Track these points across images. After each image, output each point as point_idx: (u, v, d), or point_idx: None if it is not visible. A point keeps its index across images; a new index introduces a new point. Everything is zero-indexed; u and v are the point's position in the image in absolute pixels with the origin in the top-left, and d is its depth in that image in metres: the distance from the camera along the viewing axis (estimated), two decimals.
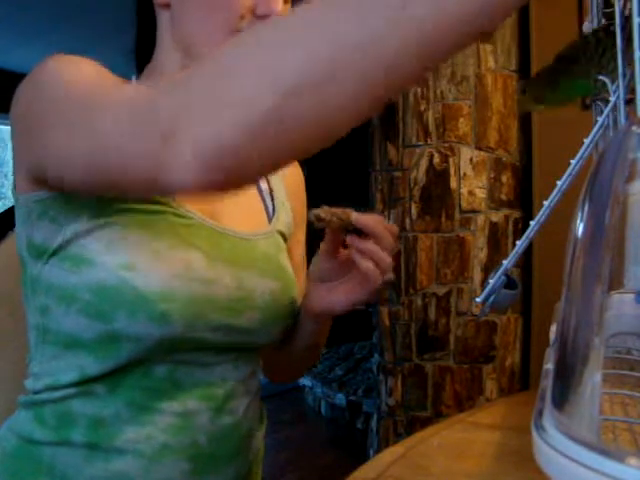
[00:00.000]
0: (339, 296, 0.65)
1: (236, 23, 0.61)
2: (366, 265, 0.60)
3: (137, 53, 0.72)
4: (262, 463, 0.75)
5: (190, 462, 0.60)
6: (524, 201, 2.04)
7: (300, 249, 0.82)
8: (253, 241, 0.67)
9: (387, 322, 2.08)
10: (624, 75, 0.58)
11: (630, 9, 0.50)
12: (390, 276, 0.62)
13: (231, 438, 0.64)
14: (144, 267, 0.55)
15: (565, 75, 0.51)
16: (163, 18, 0.65)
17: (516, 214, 2.03)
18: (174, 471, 0.59)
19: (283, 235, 0.74)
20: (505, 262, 0.66)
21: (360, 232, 0.60)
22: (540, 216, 0.65)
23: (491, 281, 0.66)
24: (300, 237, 0.82)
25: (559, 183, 0.64)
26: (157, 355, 0.58)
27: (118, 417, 0.58)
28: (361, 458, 0.77)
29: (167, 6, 0.64)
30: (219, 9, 0.60)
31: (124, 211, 0.57)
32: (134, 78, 0.70)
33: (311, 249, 0.73)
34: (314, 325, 0.71)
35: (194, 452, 0.60)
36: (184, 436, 0.59)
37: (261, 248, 0.67)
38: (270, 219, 0.73)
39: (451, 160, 1.96)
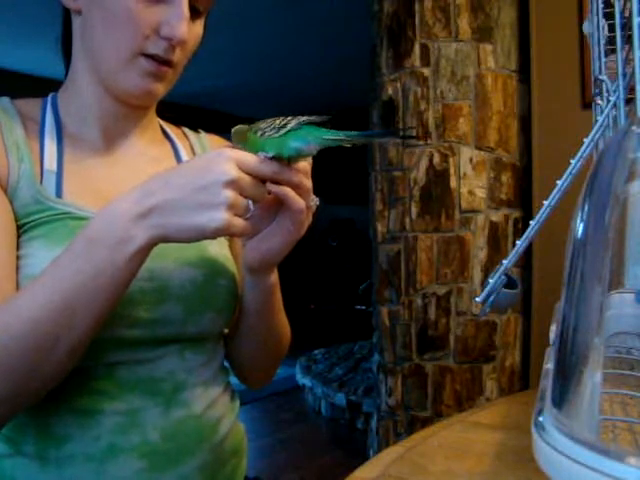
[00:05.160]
0: (273, 239, 0.60)
1: (140, 43, 0.60)
2: (284, 191, 0.56)
3: (63, 48, 0.71)
4: (243, 450, 0.73)
5: (143, 460, 0.59)
6: (524, 201, 2.04)
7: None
8: None
9: (387, 322, 2.08)
10: (624, 75, 0.58)
11: (630, 9, 0.50)
12: (314, 200, 0.59)
13: (188, 431, 0.63)
14: None
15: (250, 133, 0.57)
16: (76, 23, 0.65)
17: (516, 214, 2.03)
18: (127, 471, 0.58)
19: None
20: (505, 262, 0.66)
21: None
22: (540, 216, 0.65)
23: (491, 281, 0.66)
24: None
25: (559, 183, 0.64)
26: (89, 358, 0.57)
27: (64, 423, 0.58)
28: (361, 458, 0.77)
29: (79, 12, 0.64)
30: (123, 27, 0.60)
31: (31, 228, 0.59)
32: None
33: None
34: (258, 287, 0.67)
35: (147, 449, 0.59)
36: (133, 435, 0.59)
37: None
38: None
39: (451, 160, 1.96)
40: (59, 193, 0.61)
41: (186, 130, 0.80)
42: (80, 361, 0.55)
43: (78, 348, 0.53)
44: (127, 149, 0.70)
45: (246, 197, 0.52)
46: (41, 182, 0.61)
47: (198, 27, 0.66)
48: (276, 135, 0.53)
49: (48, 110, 0.66)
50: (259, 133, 0.55)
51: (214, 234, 0.51)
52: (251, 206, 0.53)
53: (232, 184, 0.50)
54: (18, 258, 0.58)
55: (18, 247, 0.59)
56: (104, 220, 0.51)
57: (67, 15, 0.68)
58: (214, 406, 0.67)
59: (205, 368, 0.67)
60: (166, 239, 0.52)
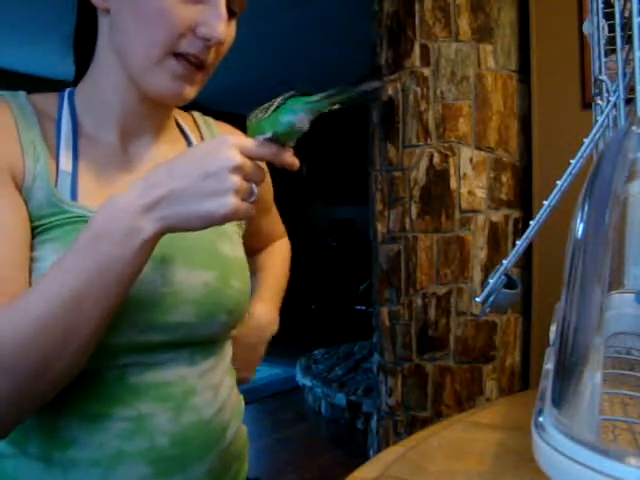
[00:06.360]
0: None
1: (175, 42, 0.59)
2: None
3: (75, 45, 0.70)
4: (246, 452, 0.73)
5: (150, 466, 0.59)
6: (524, 201, 2.04)
7: (267, 194, 0.87)
8: None
9: (387, 322, 2.08)
10: (624, 75, 0.58)
11: (630, 9, 0.50)
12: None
13: (197, 436, 0.62)
14: None
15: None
16: (103, 22, 0.64)
17: (516, 214, 2.03)
18: (133, 476, 0.58)
19: None
20: (505, 262, 0.66)
21: None
22: (540, 216, 0.65)
23: (491, 281, 0.66)
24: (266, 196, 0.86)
25: (559, 183, 0.64)
26: (100, 361, 0.57)
27: (69, 427, 0.58)
28: (361, 458, 0.77)
29: (108, 11, 0.62)
30: (157, 25, 0.58)
31: (45, 230, 0.58)
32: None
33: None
34: None
35: (155, 455, 0.59)
36: (140, 440, 0.59)
37: (188, 237, 0.60)
38: None
39: (451, 160, 1.96)
40: (74, 196, 0.60)
41: (196, 116, 0.79)
42: (90, 364, 0.54)
43: (87, 346, 0.52)
44: (144, 151, 0.68)
45: (249, 181, 0.53)
46: (56, 183, 0.59)
47: (232, 29, 0.65)
48: (266, 115, 0.56)
49: (65, 108, 0.65)
50: (252, 119, 0.57)
51: (223, 220, 0.51)
52: (255, 189, 0.54)
53: (237, 169, 0.50)
54: (31, 260, 0.57)
55: (32, 248, 0.58)
56: (108, 215, 0.51)
57: (82, 12, 0.66)
58: (223, 411, 0.67)
59: (214, 371, 0.67)
60: (174, 229, 0.52)
